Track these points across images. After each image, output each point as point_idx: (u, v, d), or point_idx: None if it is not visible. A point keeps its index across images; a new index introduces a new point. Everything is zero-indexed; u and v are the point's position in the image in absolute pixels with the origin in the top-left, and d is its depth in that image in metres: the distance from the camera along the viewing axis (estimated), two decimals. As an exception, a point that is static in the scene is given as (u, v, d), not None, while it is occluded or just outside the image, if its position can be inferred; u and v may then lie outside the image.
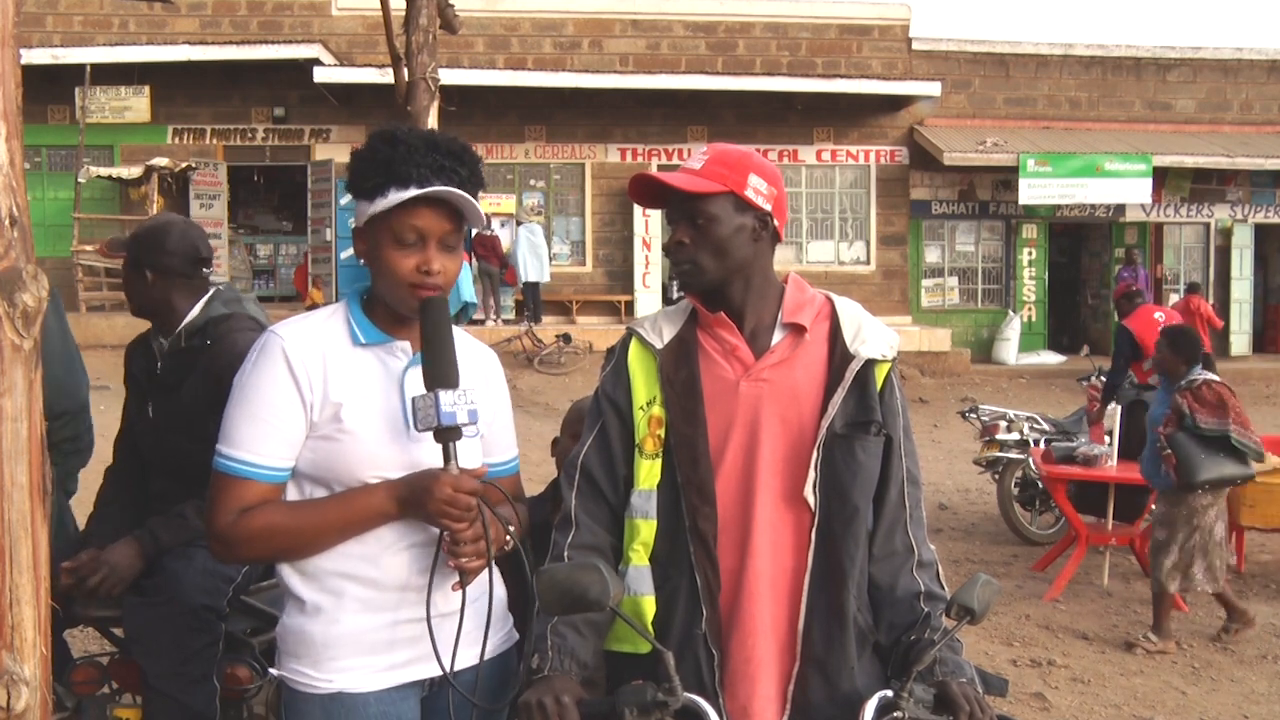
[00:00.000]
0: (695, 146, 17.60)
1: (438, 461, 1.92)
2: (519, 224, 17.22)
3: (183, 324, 3.03)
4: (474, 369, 2.14)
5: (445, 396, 1.87)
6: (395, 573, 1.96)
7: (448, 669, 1.88)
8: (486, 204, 16.95)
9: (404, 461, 1.95)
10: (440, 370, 1.90)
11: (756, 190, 1.98)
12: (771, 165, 2.06)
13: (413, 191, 1.93)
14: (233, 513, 1.93)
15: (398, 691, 1.97)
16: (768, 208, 2.00)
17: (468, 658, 1.98)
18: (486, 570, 2.00)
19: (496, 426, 2.14)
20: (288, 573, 1.99)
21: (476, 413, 1.91)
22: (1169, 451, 5.71)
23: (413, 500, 1.90)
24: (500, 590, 2.15)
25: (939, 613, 1.96)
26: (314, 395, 1.93)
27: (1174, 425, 5.78)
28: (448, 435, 1.89)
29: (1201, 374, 5.80)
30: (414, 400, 1.90)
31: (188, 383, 2.97)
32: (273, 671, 2.01)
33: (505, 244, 17.10)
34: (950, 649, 1.92)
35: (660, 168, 17.68)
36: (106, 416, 11.93)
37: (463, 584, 1.91)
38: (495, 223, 17.19)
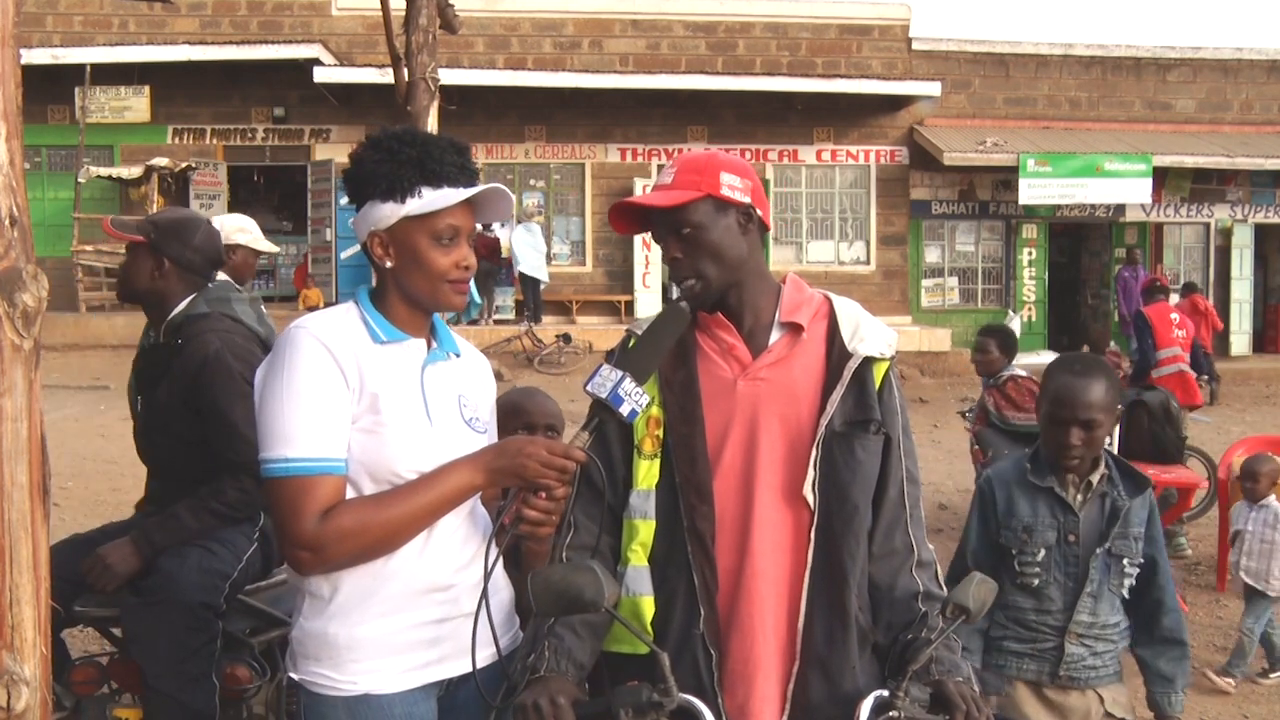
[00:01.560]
0: (695, 146, 17.68)
1: (454, 456, 1.95)
2: (518, 223, 17.24)
3: (166, 319, 3.05)
4: (475, 373, 2.17)
5: (627, 384, 1.87)
6: (422, 573, 1.96)
7: (497, 645, 1.90)
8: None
9: (430, 457, 1.95)
10: (643, 364, 1.91)
11: (731, 186, 1.99)
12: (740, 160, 2.07)
13: (460, 192, 1.95)
14: (315, 517, 1.86)
15: (420, 692, 1.98)
16: (747, 200, 2.01)
17: (490, 655, 2.00)
18: (499, 570, 2.01)
19: (491, 430, 2.16)
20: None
21: (636, 414, 1.90)
22: (978, 447, 5.74)
23: (507, 468, 1.91)
24: (508, 592, 2.16)
25: (936, 612, 1.96)
26: (355, 382, 1.92)
27: (982, 422, 5.81)
28: (601, 410, 1.89)
29: (1010, 371, 5.81)
30: (603, 366, 1.91)
31: (163, 381, 2.99)
32: (291, 675, 1.98)
33: (505, 244, 17.12)
34: (947, 648, 1.92)
35: (660, 168, 17.67)
36: (107, 416, 11.95)
37: (514, 523, 1.92)
38: (495, 223, 17.19)
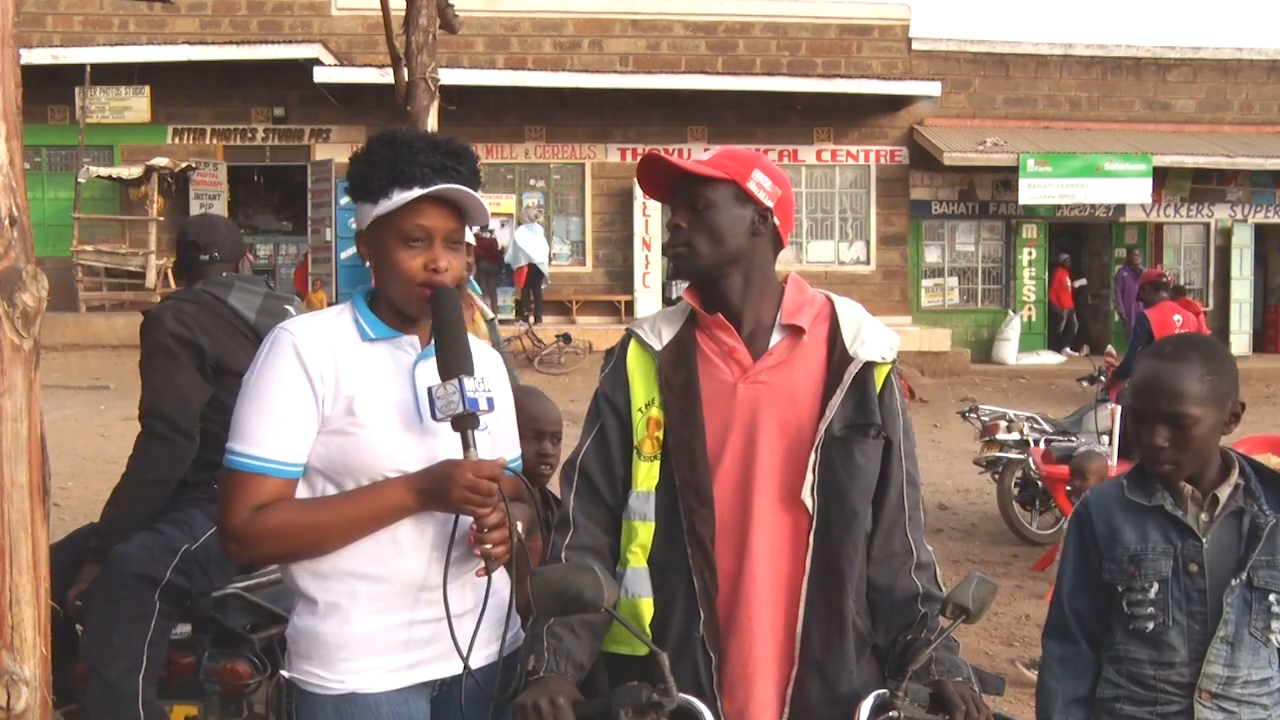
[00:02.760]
0: (695, 146, 17.67)
1: (451, 453, 1.94)
2: (520, 224, 17.26)
3: None
4: (482, 368, 2.15)
5: (469, 383, 1.89)
6: (410, 572, 1.97)
7: (465, 657, 1.91)
8: (486, 204, 16.94)
9: (418, 455, 1.96)
10: (459, 359, 1.93)
11: (759, 185, 2.00)
12: (781, 171, 2.07)
13: (418, 191, 1.96)
14: (247, 510, 1.92)
15: (409, 692, 1.98)
16: (769, 204, 2.01)
17: (484, 656, 2.00)
18: (501, 566, 2.01)
19: (502, 425, 2.15)
20: (300, 573, 1.98)
21: (494, 400, 1.95)
22: None
23: (433, 491, 1.92)
24: (507, 590, 2.15)
25: (936, 613, 1.96)
26: (325, 388, 1.94)
27: None
28: (466, 423, 1.91)
29: None
30: (432, 389, 1.91)
31: None
32: (283, 673, 2.01)
33: (502, 244, 17.14)
34: (946, 648, 1.92)
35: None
36: (107, 416, 11.94)
37: (488, 570, 1.93)
38: (495, 222, 17.19)
